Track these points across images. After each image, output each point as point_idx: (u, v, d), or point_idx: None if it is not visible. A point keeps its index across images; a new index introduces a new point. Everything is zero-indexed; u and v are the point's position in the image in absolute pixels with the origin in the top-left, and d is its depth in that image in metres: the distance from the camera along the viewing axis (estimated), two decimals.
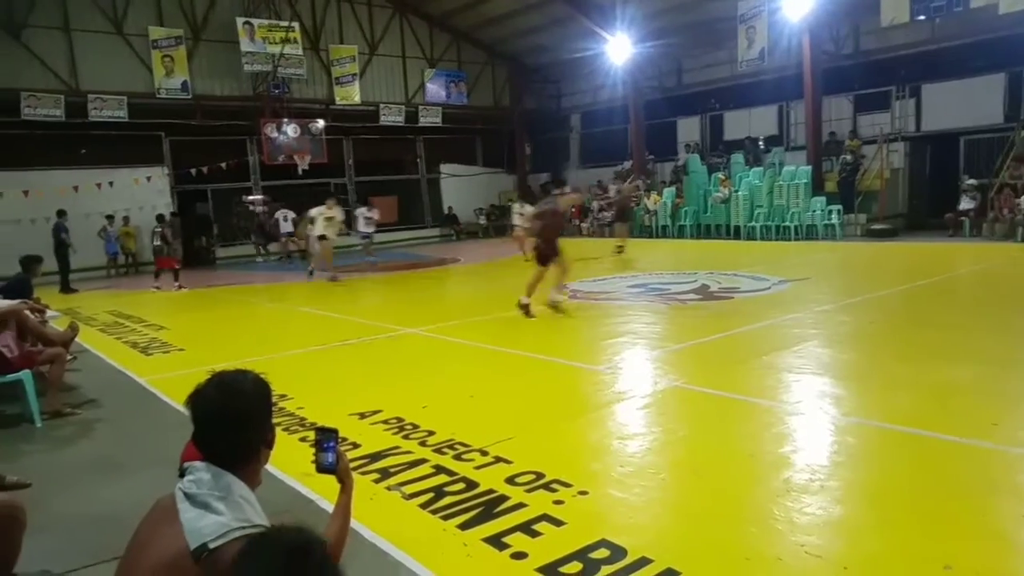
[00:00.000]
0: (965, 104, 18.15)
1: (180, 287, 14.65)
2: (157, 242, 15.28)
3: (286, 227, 20.87)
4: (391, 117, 24.56)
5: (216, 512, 1.72)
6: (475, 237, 25.82)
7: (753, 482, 3.78)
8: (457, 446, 4.44)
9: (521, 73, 27.71)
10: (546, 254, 8.96)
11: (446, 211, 26.75)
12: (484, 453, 4.30)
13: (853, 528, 3.23)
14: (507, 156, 28.37)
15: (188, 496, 1.76)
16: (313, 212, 14.90)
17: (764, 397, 5.23)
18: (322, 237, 14.45)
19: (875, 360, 6.24)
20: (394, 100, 24.84)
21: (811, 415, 4.81)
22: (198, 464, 1.83)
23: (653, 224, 21.32)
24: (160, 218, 16.23)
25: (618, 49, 22.23)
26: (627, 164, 24.62)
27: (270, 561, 1.40)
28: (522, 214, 15.30)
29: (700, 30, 21.03)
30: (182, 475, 1.84)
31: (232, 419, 1.85)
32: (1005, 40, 16.78)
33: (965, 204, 15.99)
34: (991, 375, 5.43)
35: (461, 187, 27.39)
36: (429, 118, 25.42)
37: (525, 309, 8.79)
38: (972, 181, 16.34)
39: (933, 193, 18.44)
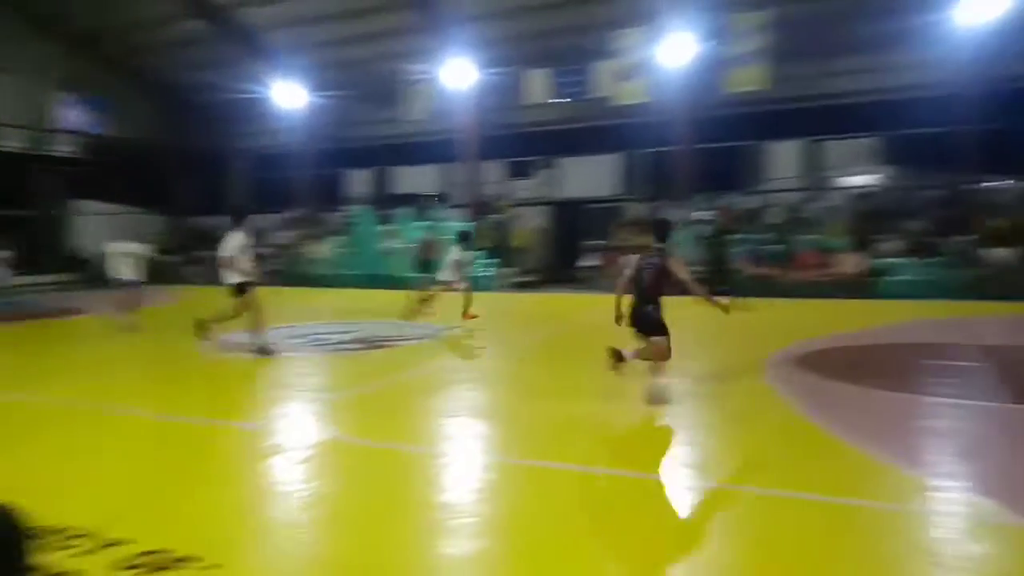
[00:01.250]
0: (592, 176, 21.52)
1: None
2: None
3: None
4: (9, 142, 20.71)
5: None
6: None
7: (405, 529, 3.79)
8: (57, 532, 3.70)
9: (185, 108, 25.61)
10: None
11: (74, 253, 23.05)
12: (93, 536, 3.64)
13: (499, 560, 3.40)
14: (160, 194, 25.76)
15: None
16: None
17: (418, 444, 5.35)
18: None
19: (519, 400, 6.83)
20: (14, 123, 21.02)
21: (462, 458, 5.03)
22: None
23: (319, 273, 21.02)
24: None
25: (289, 96, 21.88)
26: (296, 212, 24.11)
27: None
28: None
29: (374, 86, 21.69)
30: None
31: None
32: (623, 126, 20.31)
33: (587, 261, 18.80)
34: (613, 409, 6.30)
35: (102, 226, 24.02)
36: (61, 146, 21.98)
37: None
38: (593, 242, 19.32)
39: (569, 250, 21.27)
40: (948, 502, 4.06)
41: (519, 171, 23.07)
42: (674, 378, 6.63)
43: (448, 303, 12.01)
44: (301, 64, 21.64)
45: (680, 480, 4.56)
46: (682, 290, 6.26)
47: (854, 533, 3.65)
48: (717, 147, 20.42)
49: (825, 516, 3.90)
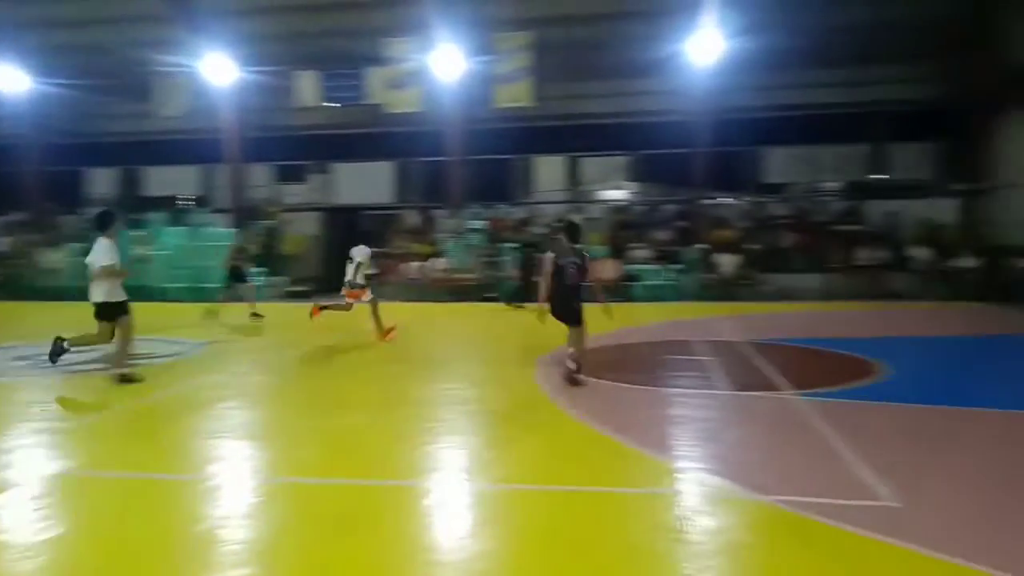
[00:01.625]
0: (366, 183, 21.22)
1: None
2: None
3: None
4: None
5: None
6: None
7: (158, 569, 3.39)
8: None
9: None
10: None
11: None
12: None
13: None
14: None
15: None
16: None
17: (173, 471, 4.84)
18: None
19: (285, 416, 6.48)
20: None
21: (225, 482, 4.64)
22: None
23: (52, 285, 18.34)
24: None
25: (7, 79, 18.86)
26: (22, 214, 20.85)
27: None
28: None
29: (120, 76, 19.41)
30: None
31: None
32: (396, 134, 20.28)
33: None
34: (380, 420, 6.21)
35: None
36: None
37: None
38: (373, 249, 19.00)
39: (344, 258, 20.64)
40: (688, 483, 4.55)
41: (290, 175, 22.08)
42: (445, 382, 6.73)
43: (231, 314, 11.14)
44: (22, 44, 18.77)
45: (449, 484, 4.60)
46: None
47: (608, 518, 3.95)
48: (488, 159, 21.21)
49: (584, 505, 4.17)
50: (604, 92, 20.59)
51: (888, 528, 3.65)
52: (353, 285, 10.43)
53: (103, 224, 7.48)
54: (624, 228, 19.02)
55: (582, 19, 17.99)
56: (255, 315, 12.67)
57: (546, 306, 7.26)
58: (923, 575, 3.27)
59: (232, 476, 4.79)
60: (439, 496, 4.35)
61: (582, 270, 7.29)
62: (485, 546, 3.64)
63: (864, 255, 16.99)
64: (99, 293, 7.23)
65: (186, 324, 12.72)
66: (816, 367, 8.63)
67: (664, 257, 17.77)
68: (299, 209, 20.84)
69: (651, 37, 17.31)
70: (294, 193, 21.71)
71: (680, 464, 4.84)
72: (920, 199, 19.03)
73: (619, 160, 21.32)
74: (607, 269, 16.80)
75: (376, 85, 18.66)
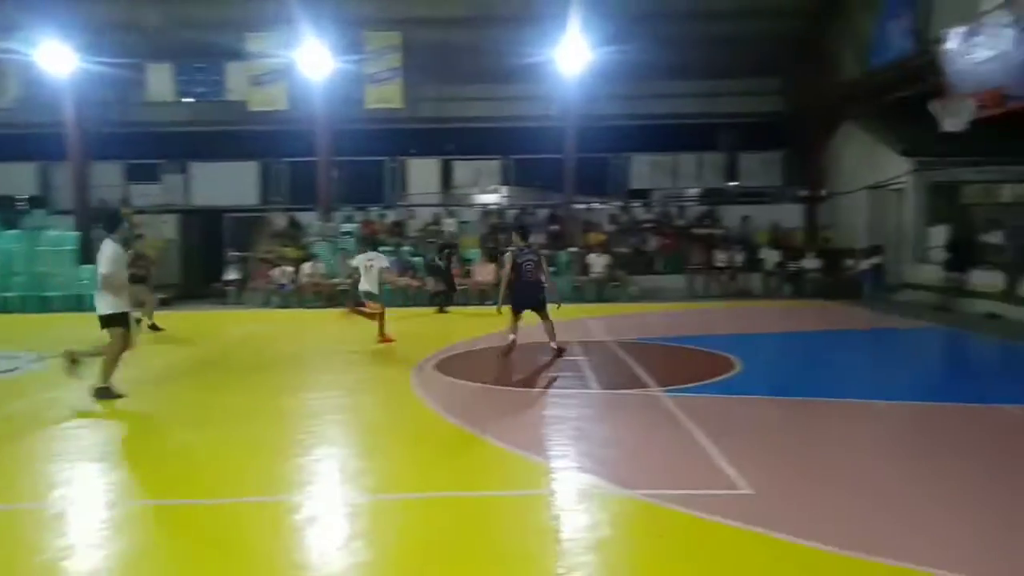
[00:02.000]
0: (229, 184, 20.11)
1: None
2: None
3: None
4: None
5: None
6: None
7: None
8: None
9: None
10: None
11: None
12: None
13: None
14: None
15: None
16: None
17: (18, 500, 4.34)
18: None
19: (142, 433, 6.00)
20: None
21: (74, 509, 4.20)
22: None
23: None
24: None
25: None
26: None
27: None
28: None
29: None
30: None
31: None
32: (259, 133, 19.39)
33: (231, 275, 17.52)
34: (244, 433, 5.87)
35: None
36: None
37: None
38: (236, 253, 18.07)
39: (206, 263, 19.52)
40: (560, 482, 4.61)
41: (142, 175, 20.54)
42: (316, 391, 6.46)
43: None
44: None
45: (319, 498, 4.42)
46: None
47: (482, 523, 3.93)
48: (359, 160, 20.76)
49: (458, 511, 4.13)
50: (478, 95, 20.70)
51: (743, 515, 3.85)
52: (371, 296, 10.22)
53: (109, 223, 7.02)
54: (498, 232, 19.19)
55: (452, 22, 17.97)
56: (153, 327, 11.76)
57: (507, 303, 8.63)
58: (773, 557, 3.47)
59: (78, 502, 4.36)
60: (308, 511, 4.16)
61: (538, 265, 8.69)
62: (356, 559, 3.51)
63: (721, 257, 18.10)
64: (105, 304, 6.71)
65: (19, 337, 11.56)
66: (680, 364, 9.05)
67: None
68: (154, 211, 19.44)
69: (521, 42, 17.58)
70: (146, 194, 20.22)
71: (552, 464, 4.90)
72: (768, 204, 20.56)
73: (493, 164, 21.47)
74: (484, 272, 16.88)
75: (237, 81, 17.78)
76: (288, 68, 17.70)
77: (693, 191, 22.44)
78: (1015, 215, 14.98)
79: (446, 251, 16.25)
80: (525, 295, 8.68)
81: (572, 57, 17.29)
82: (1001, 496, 4.23)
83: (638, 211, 20.76)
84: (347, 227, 19.19)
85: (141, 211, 18.85)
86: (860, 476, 4.65)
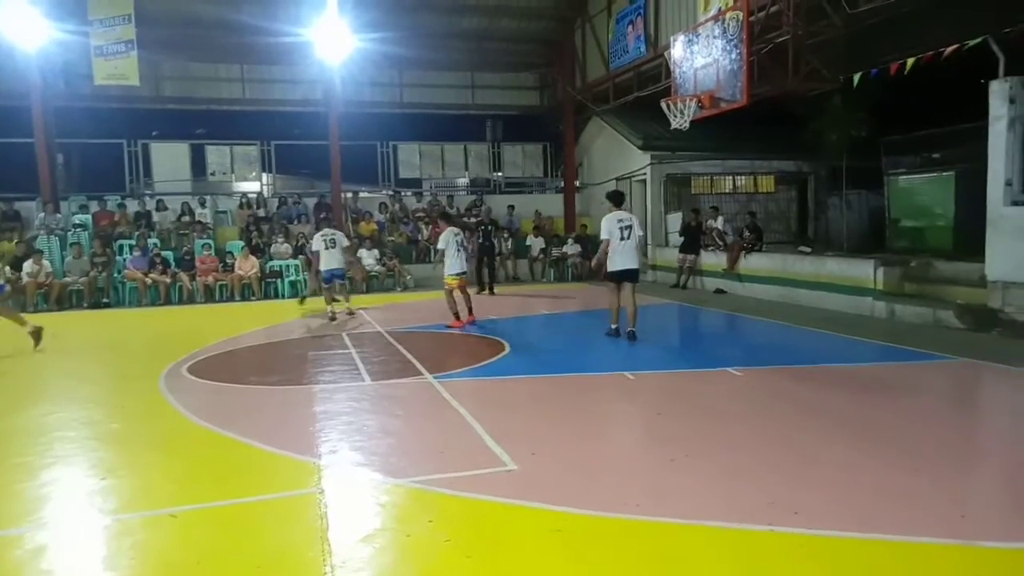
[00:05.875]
0: None
1: None
2: None
3: None
4: None
5: None
6: None
7: None
8: None
9: None
10: None
11: None
12: None
13: None
14: None
15: None
16: None
17: None
18: None
19: None
20: None
21: None
22: None
23: None
24: None
25: None
26: None
27: None
28: None
29: None
30: None
31: None
32: None
33: None
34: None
35: None
36: None
37: None
38: None
39: None
40: (331, 479, 4.45)
41: None
42: (46, 405, 5.59)
43: None
44: None
45: (54, 526, 3.82)
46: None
47: (252, 531, 3.68)
48: (92, 144, 18.43)
49: (225, 521, 3.83)
50: (232, 76, 19.34)
51: (506, 490, 4.03)
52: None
53: None
54: (261, 222, 18.09)
55: None
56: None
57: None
58: (531, 525, 3.67)
59: None
60: (35, 542, 3.57)
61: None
62: None
63: (491, 244, 18.71)
64: None
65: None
66: (452, 350, 9.23)
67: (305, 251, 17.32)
68: None
69: (278, 20, 16.70)
70: None
71: (321, 462, 4.72)
72: (531, 194, 21.72)
73: (251, 150, 20.14)
74: (245, 265, 15.82)
75: None
76: None
77: (462, 180, 22.94)
78: (733, 203, 17.53)
79: (487, 228, 16.66)
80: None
81: (334, 41, 16.72)
82: (716, 446, 4.87)
83: (409, 200, 20.78)
84: (79, 219, 16.91)
85: None
86: (613, 443, 5.07)
